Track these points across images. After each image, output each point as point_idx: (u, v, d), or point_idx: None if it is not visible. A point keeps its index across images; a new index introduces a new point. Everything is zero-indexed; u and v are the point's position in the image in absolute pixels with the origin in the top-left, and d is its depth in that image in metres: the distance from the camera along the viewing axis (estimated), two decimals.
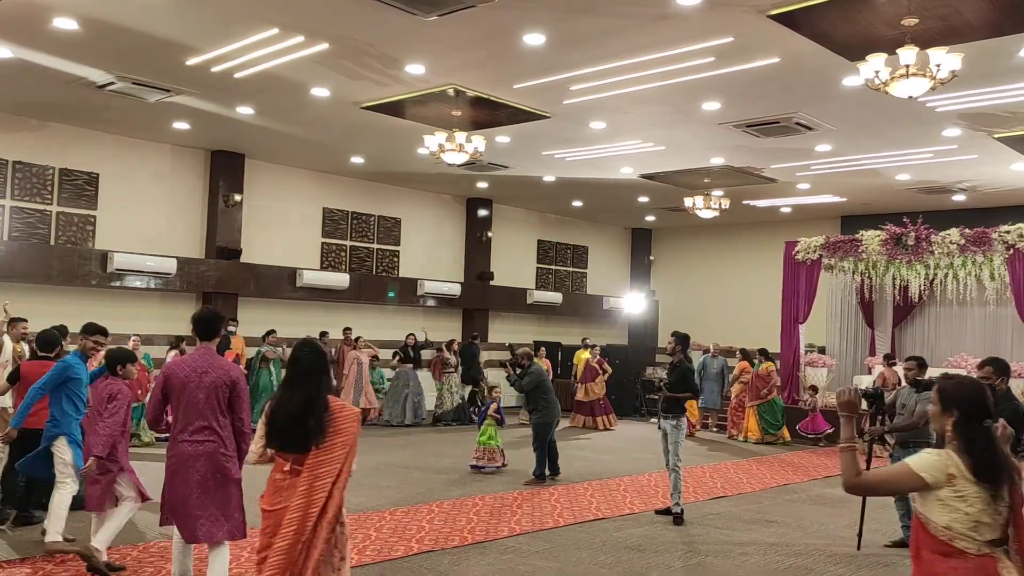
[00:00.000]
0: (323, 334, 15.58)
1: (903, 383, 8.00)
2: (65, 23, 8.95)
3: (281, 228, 16.29)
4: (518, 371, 10.82)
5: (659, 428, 8.82)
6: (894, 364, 14.41)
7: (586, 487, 9.98)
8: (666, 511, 8.56)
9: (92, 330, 6.76)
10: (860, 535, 7.50)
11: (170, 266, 14.18)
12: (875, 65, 7.65)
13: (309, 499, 4.13)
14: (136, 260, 13.79)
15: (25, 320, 9.44)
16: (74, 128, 13.66)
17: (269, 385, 14.22)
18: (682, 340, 9.00)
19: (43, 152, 13.46)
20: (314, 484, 4.15)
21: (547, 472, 10.29)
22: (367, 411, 15.40)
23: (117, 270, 13.58)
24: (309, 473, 4.16)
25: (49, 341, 7.44)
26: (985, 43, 8.49)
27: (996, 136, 12.07)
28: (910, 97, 7.88)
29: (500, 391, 11.75)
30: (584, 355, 17.02)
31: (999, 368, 5.97)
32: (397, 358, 16.20)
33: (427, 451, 12.29)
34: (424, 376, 16.69)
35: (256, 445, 4.36)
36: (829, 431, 14.54)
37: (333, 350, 15.55)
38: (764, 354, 15.28)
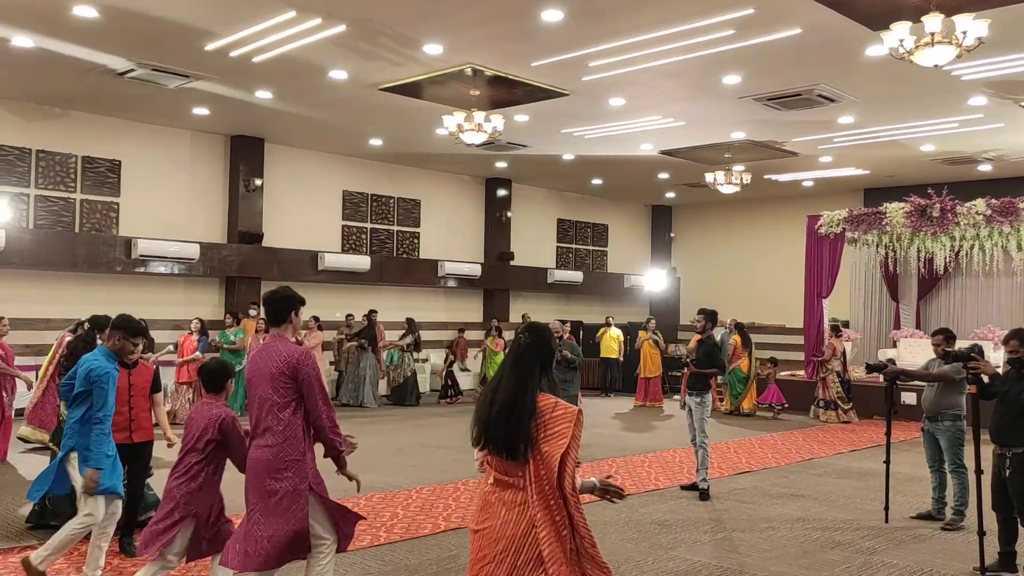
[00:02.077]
0: (348, 316, 15.69)
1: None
2: (85, 11, 9.00)
3: (302, 212, 16.36)
4: (565, 354, 10.69)
5: (683, 406, 8.81)
6: (841, 335, 14.60)
7: (610, 464, 10.00)
8: (692, 487, 8.56)
9: (134, 329, 5.76)
10: (887, 508, 7.47)
11: (193, 251, 14.29)
12: (899, 34, 7.54)
13: (552, 522, 3.29)
14: (160, 246, 13.92)
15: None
16: (96, 116, 13.76)
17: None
18: (710, 317, 8.96)
19: (66, 140, 13.57)
20: (548, 503, 3.31)
21: None
22: None
23: (141, 256, 13.71)
24: (538, 488, 3.29)
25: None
26: (1014, 8, 8.33)
27: (1023, 104, 11.87)
28: (935, 66, 7.77)
29: None
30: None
31: None
32: (355, 342, 15.40)
33: (451, 430, 12.36)
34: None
35: (476, 451, 3.52)
36: (784, 405, 14.91)
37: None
38: (738, 327, 15.27)
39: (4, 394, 9.53)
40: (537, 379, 3.36)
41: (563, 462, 3.22)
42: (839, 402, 14.29)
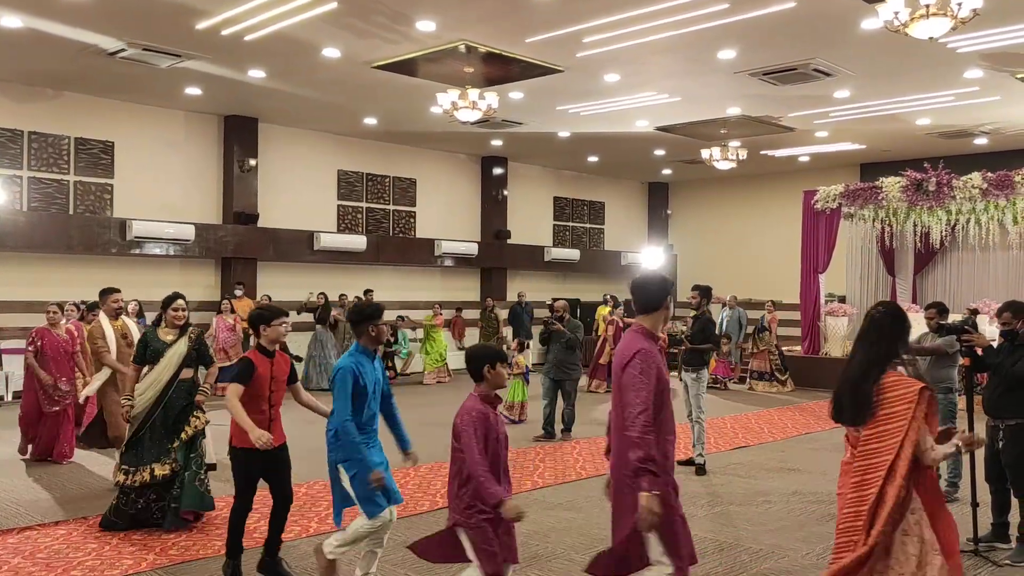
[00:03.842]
0: (342, 296, 15.67)
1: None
2: None
3: (297, 191, 16.31)
4: (553, 327, 10.68)
5: (680, 380, 8.84)
6: (619, 306, 15.45)
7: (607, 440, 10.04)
8: (688, 462, 8.60)
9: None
10: None
11: (188, 232, 14.25)
12: (894, 6, 7.49)
13: (859, 493, 3.45)
14: (155, 227, 13.88)
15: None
16: (88, 97, 13.67)
17: None
18: (705, 292, 8.99)
19: (58, 122, 13.50)
20: (865, 476, 3.45)
21: (560, 429, 10.32)
22: None
23: (136, 238, 13.68)
24: (861, 461, 3.49)
25: None
26: None
27: (1019, 76, 11.83)
28: (930, 38, 7.73)
29: (523, 360, 11.52)
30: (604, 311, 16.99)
31: (1017, 311, 5.91)
32: (315, 320, 15.11)
33: (449, 408, 12.40)
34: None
35: None
36: (731, 379, 15.55)
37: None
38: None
39: (59, 385, 8.51)
40: (885, 354, 3.58)
41: (903, 440, 3.42)
42: (776, 373, 15.08)
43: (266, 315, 5.14)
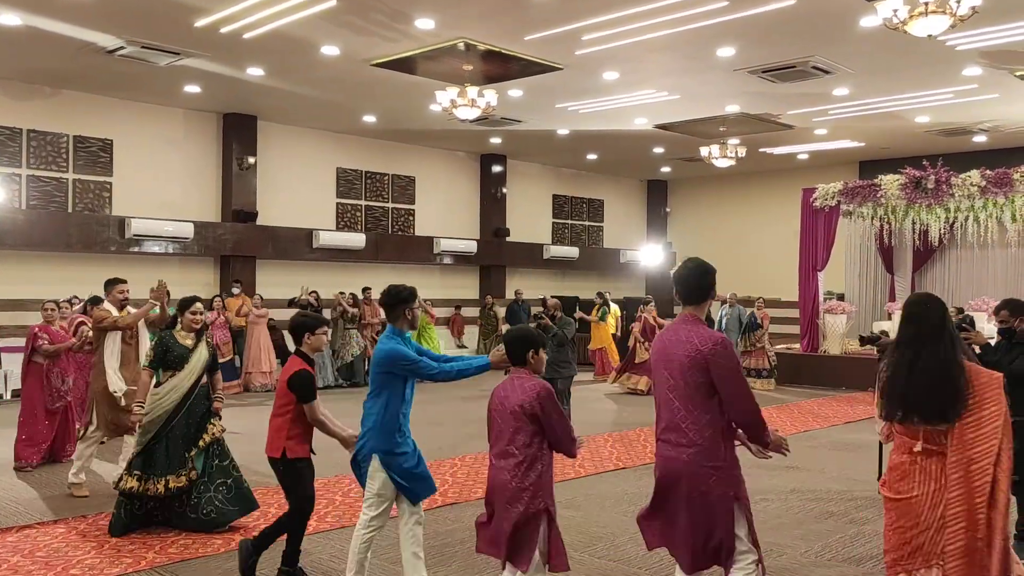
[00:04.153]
0: (340, 294, 15.65)
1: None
2: None
3: (296, 189, 16.31)
4: (542, 322, 10.67)
5: None
6: (650, 302, 15.05)
7: (606, 438, 10.05)
8: None
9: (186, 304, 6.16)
10: (880, 478, 7.52)
11: (187, 230, 14.26)
12: (893, 3, 7.50)
13: (968, 487, 3.41)
14: (154, 225, 13.88)
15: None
16: (86, 95, 13.67)
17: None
18: None
19: (57, 120, 13.49)
20: (970, 468, 3.42)
21: None
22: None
23: (135, 236, 13.68)
24: (960, 455, 3.44)
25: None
26: None
27: (1018, 74, 11.83)
28: (929, 36, 7.73)
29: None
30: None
31: (1015, 309, 5.91)
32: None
33: (448, 407, 12.41)
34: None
35: (876, 423, 3.70)
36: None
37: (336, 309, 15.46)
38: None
39: (53, 380, 8.33)
40: (958, 345, 3.59)
41: (1003, 426, 3.43)
42: (776, 371, 14.95)
43: (310, 323, 5.06)
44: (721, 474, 3.66)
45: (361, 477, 4.67)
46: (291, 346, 5.34)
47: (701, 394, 3.65)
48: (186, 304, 6.18)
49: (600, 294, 17.17)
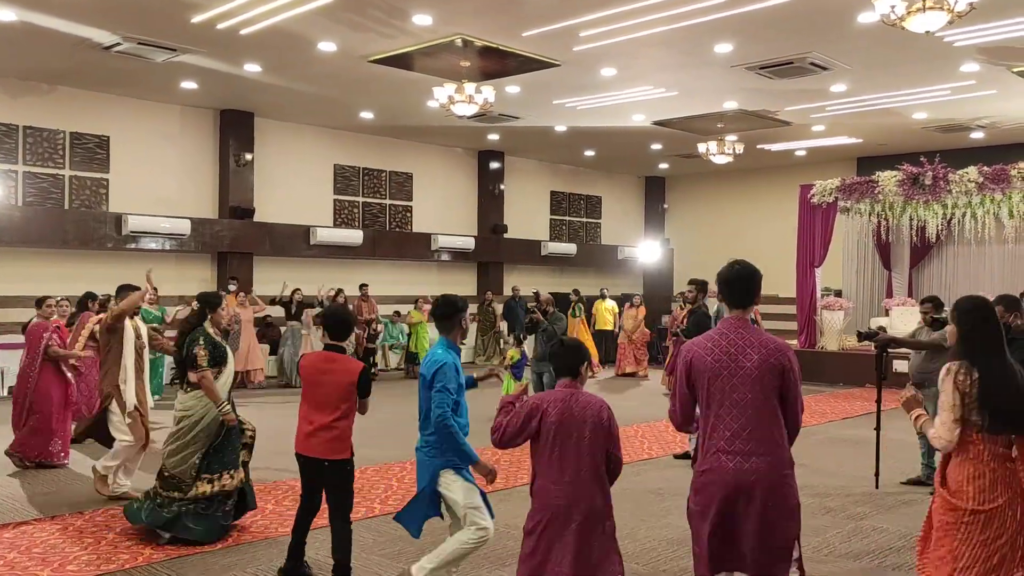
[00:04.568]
0: (339, 291, 15.64)
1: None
2: None
3: (293, 186, 16.28)
4: (534, 316, 10.66)
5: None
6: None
7: None
8: (684, 455, 8.62)
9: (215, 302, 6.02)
10: (878, 474, 7.54)
11: (184, 227, 14.23)
12: None
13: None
14: (150, 222, 13.86)
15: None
16: (83, 91, 13.64)
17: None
18: (701, 287, 9.00)
19: (53, 116, 13.46)
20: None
21: None
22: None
23: (132, 232, 13.66)
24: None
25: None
26: None
27: (1015, 70, 11.83)
28: (927, 32, 7.73)
29: (512, 358, 11.34)
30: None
31: (1009, 305, 5.92)
32: (286, 315, 14.63)
33: None
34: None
35: (949, 430, 3.52)
36: None
37: (351, 306, 15.56)
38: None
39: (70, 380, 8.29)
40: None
41: None
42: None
43: (351, 320, 5.12)
44: (794, 481, 3.64)
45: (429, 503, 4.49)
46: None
47: (772, 401, 3.59)
48: (215, 301, 6.06)
49: (576, 291, 17.22)
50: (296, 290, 14.75)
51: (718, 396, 3.61)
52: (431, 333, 17.07)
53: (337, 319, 5.03)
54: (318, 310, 14.17)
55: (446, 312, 4.61)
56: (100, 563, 5.35)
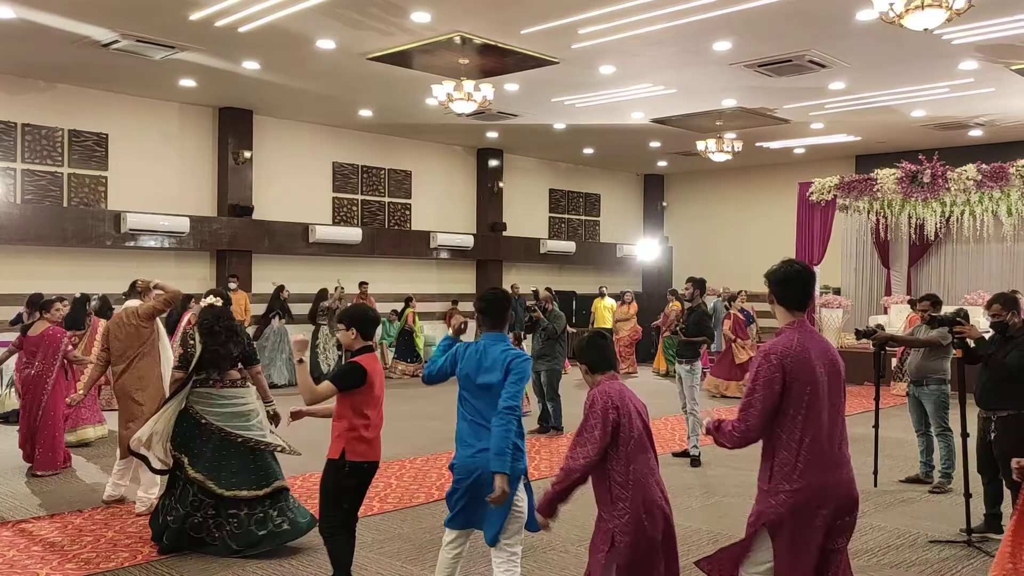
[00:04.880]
0: (338, 289, 15.66)
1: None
2: None
3: (292, 184, 16.27)
4: (534, 315, 10.68)
5: (674, 373, 8.87)
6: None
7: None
8: (683, 453, 8.64)
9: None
10: (876, 472, 7.55)
11: (183, 225, 14.22)
12: None
13: None
14: (149, 220, 13.85)
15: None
16: (81, 89, 13.62)
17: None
18: (699, 285, 9.02)
19: (51, 114, 13.44)
20: None
21: (551, 426, 10.26)
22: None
23: (131, 230, 13.64)
24: None
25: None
26: None
27: (1014, 68, 11.83)
28: (925, 30, 7.73)
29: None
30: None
31: (1007, 303, 5.93)
32: (275, 314, 14.67)
33: (439, 401, 12.42)
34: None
35: None
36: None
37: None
38: (674, 294, 15.37)
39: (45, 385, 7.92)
40: None
41: None
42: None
43: (378, 316, 4.96)
44: None
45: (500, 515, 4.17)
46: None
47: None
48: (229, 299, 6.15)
49: (548, 288, 17.22)
50: (281, 286, 14.84)
51: (816, 400, 3.39)
52: (426, 331, 17.20)
53: (367, 318, 4.77)
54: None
55: (499, 307, 4.29)
56: (99, 561, 5.36)
